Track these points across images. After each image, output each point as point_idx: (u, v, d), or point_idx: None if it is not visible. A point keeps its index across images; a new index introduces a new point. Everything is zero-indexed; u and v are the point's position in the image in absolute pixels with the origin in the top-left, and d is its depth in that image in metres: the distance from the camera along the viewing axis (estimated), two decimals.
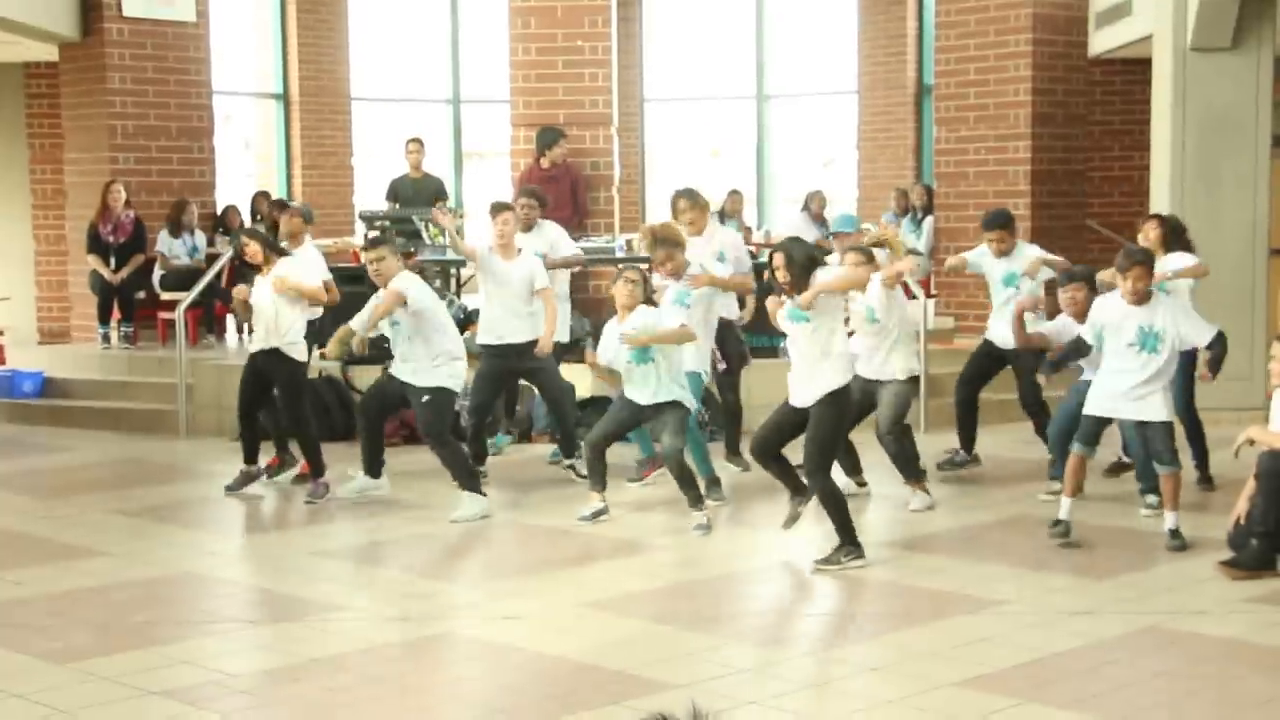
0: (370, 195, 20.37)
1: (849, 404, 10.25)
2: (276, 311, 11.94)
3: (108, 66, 18.04)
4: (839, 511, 9.84)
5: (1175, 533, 9.97)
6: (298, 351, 12.10)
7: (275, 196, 19.47)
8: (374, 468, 11.98)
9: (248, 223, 18.23)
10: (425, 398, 11.53)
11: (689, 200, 13.23)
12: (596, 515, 11.05)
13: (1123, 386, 10.05)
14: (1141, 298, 10.01)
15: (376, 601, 9.02)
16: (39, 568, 9.92)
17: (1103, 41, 18.05)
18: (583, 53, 16.94)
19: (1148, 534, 9.92)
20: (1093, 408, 10.32)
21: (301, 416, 12.24)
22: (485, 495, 11.72)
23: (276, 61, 22.09)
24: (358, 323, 11.56)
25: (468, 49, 23.19)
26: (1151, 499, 10.94)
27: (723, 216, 18.58)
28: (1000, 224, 12.68)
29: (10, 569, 9.68)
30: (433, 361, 11.57)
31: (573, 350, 14.15)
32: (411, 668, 7.87)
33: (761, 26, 23.75)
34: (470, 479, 11.68)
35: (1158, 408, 10.08)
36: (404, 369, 11.61)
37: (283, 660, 8.05)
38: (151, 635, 8.37)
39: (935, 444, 13.43)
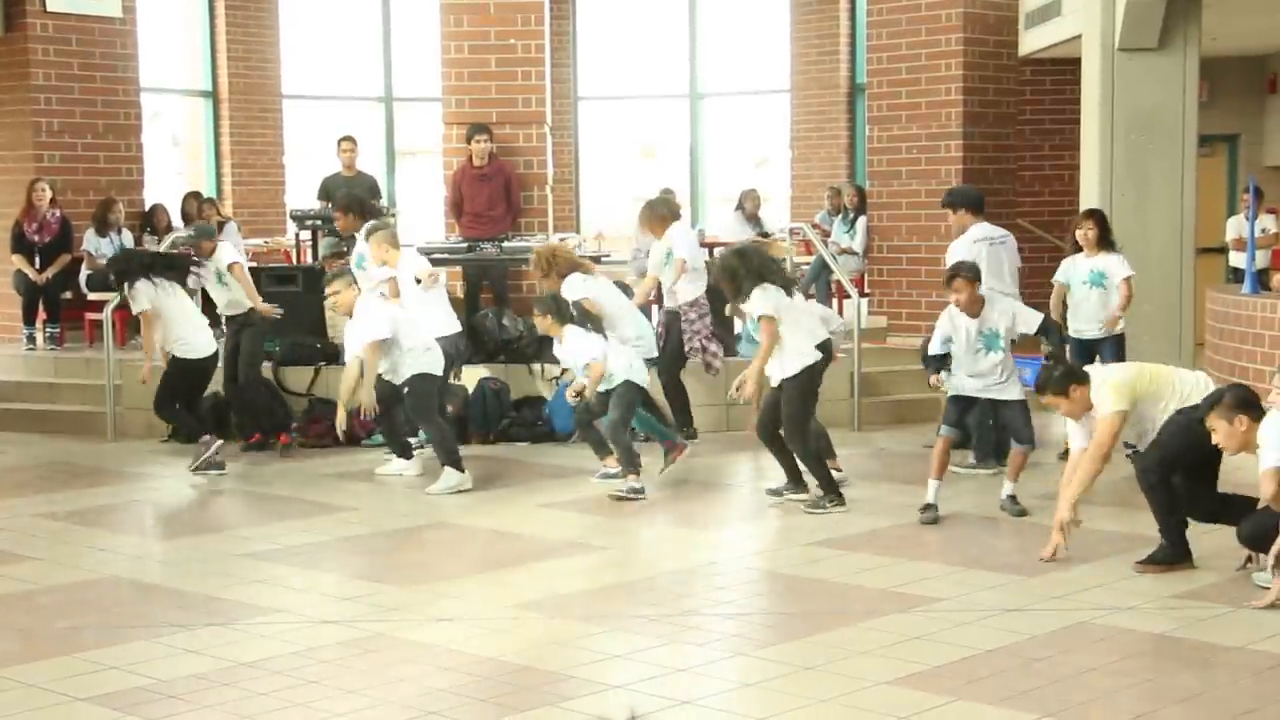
0: (302, 194, 20.30)
1: (808, 383, 11.27)
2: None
3: (32, 62, 17.95)
4: (819, 469, 11.39)
5: (1013, 499, 11.15)
6: (189, 350, 13.16)
7: (206, 195, 19.45)
8: (404, 452, 13.14)
9: (176, 222, 18.19)
10: (406, 389, 12.46)
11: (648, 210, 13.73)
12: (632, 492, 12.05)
13: (980, 383, 11.10)
14: (974, 308, 10.75)
15: (309, 604, 8.99)
16: None
17: (1032, 41, 18.16)
18: (515, 51, 16.95)
19: (1079, 533, 9.99)
20: (957, 389, 11.25)
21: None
22: (464, 471, 12.54)
23: (205, 58, 22.01)
24: (364, 391, 12.35)
25: (400, 46, 23.15)
26: (972, 461, 12.65)
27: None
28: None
29: None
30: (406, 358, 12.45)
31: (508, 349, 14.26)
32: (346, 670, 7.84)
33: (694, 25, 23.77)
34: (451, 455, 12.58)
35: (1014, 391, 11.13)
36: (388, 374, 12.54)
37: (214, 664, 7.98)
38: (78, 641, 8.30)
39: (867, 442, 13.59)
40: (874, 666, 7.48)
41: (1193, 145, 15.66)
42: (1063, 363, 10.56)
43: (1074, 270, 12.75)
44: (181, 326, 13.10)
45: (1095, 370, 9.95)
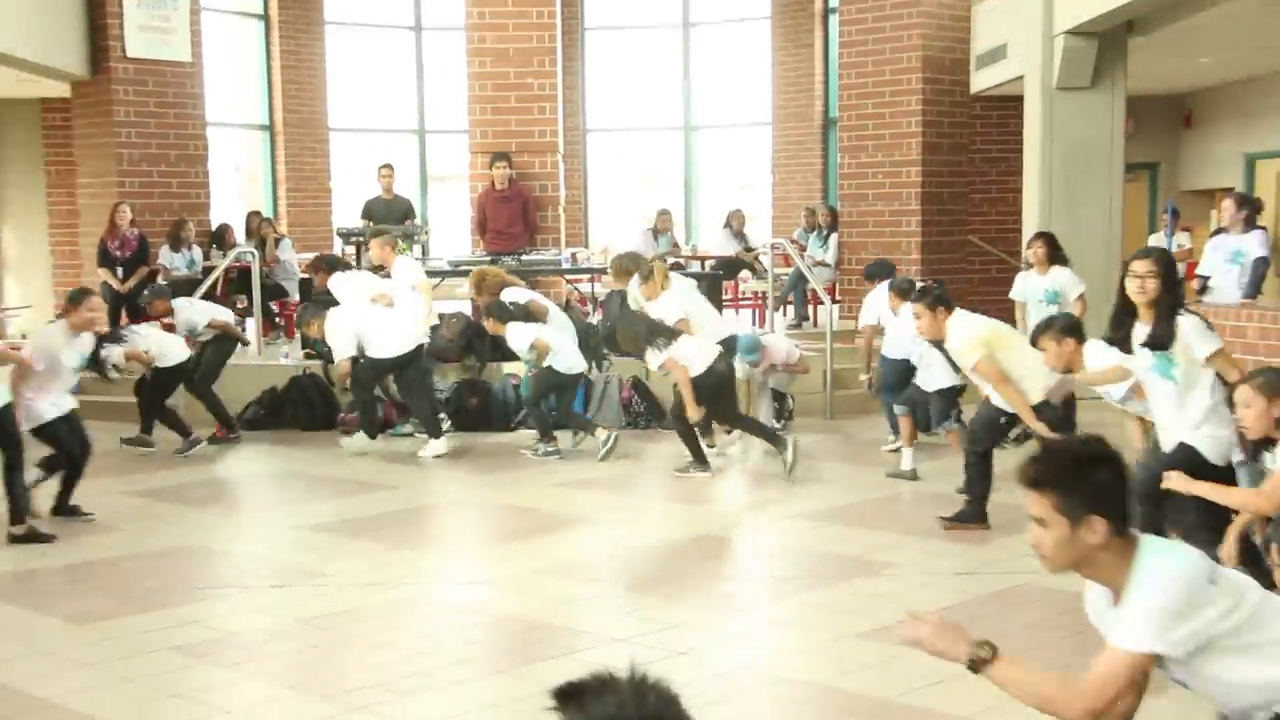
0: (347, 214, 20.31)
1: (710, 381, 11.68)
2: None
3: (114, 101, 17.95)
4: (693, 442, 12.08)
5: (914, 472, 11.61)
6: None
7: (265, 215, 19.49)
8: (433, 430, 13.32)
9: (240, 238, 18.22)
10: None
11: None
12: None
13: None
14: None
15: (356, 569, 9.03)
16: (59, 542, 9.93)
17: (982, 81, 18.15)
18: (532, 89, 17.03)
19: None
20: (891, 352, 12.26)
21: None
22: (442, 440, 13.28)
23: (263, 96, 22.04)
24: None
25: (431, 85, 23.14)
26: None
27: (656, 234, 18.65)
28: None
29: (24, 548, 9.64)
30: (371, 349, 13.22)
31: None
32: (388, 626, 7.90)
33: (688, 66, 23.76)
34: (435, 426, 13.35)
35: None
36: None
37: (274, 620, 8.06)
38: (159, 599, 8.37)
39: (838, 429, 13.69)
40: (845, 622, 7.53)
41: (1120, 172, 15.70)
42: None
43: (1029, 289, 12.77)
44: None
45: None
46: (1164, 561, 3.77)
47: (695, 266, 18.57)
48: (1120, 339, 7.64)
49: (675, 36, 23.82)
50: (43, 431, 10.31)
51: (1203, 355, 6.99)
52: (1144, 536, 3.87)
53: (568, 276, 17.23)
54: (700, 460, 12.12)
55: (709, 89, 23.86)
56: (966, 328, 10.01)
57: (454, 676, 6.77)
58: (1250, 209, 13.26)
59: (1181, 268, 14.98)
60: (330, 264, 14.74)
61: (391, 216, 17.72)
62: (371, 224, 17.49)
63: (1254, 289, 12.78)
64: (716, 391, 11.84)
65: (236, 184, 21.38)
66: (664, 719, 2.22)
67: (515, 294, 13.72)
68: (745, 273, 18.92)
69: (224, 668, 7.10)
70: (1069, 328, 9.07)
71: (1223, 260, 12.99)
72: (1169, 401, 7.53)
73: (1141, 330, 7.36)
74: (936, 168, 18.17)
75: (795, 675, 6.93)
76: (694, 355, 11.80)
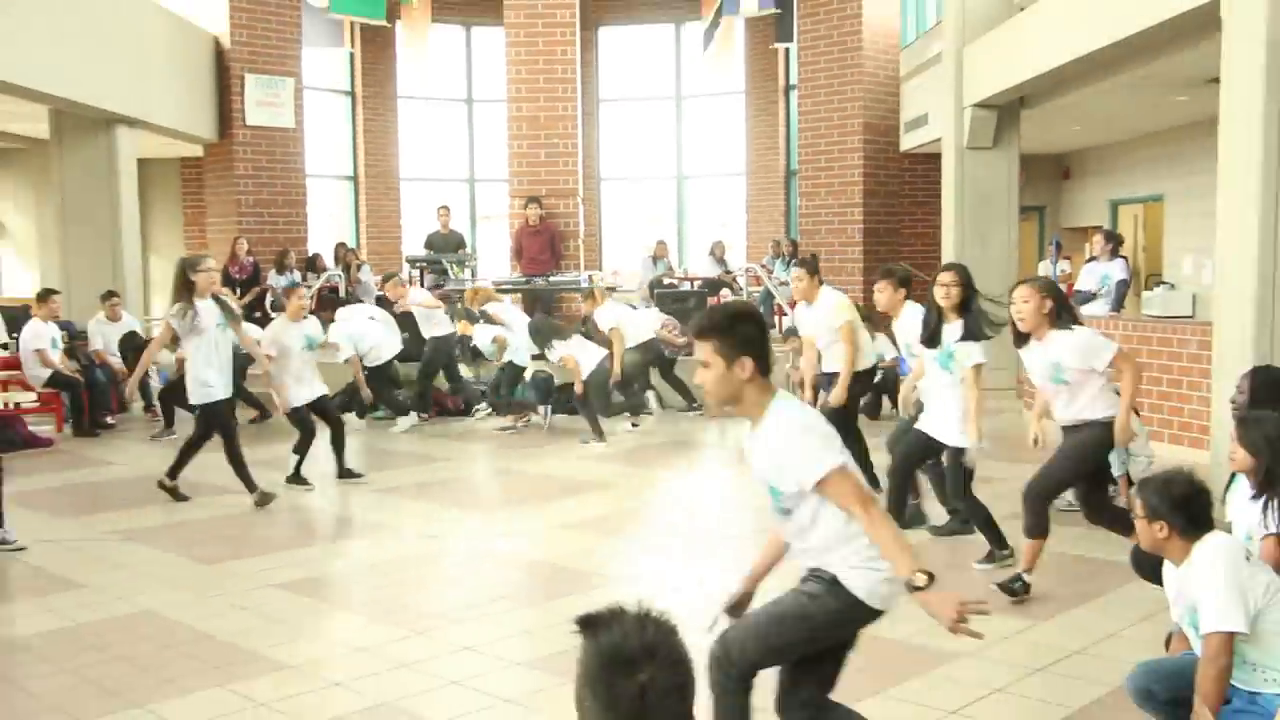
0: (413, 245, 20.29)
1: (597, 374, 12.41)
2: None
3: (235, 158, 18.05)
4: (595, 421, 12.42)
5: None
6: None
7: (349, 246, 19.51)
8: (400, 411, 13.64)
9: (330, 264, 18.26)
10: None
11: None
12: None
13: None
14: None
15: (416, 524, 9.05)
16: (195, 500, 9.93)
17: (909, 142, 18.18)
18: (558, 147, 17.08)
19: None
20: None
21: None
22: (409, 414, 13.79)
23: (349, 154, 22.06)
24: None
25: (480, 144, 23.13)
26: None
27: (655, 260, 18.71)
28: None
29: (170, 503, 9.71)
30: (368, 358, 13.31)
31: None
32: (441, 568, 7.94)
33: (680, 129, 23.77)
34: (401, 409, 13.80)
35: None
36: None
37: (353, 565, 8.17)
38: (268, 546, 8.46)
39: None
40: None
41: (1015, 213, 15.73)
42: None
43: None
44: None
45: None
46: (787, 405, 3.90)
47: (686, 285, 18.63)
48: (929, 337, 7.56)
49: (670, 107, 23.80)
50: (294, 414, 10.38)
51: (1101, 365, 6.46)
52: (780, 390, 4.01)
53: (582, 294, 17.26)
54: (598, 433, 12.40)
55: (696, 147, 23.84)
56: (839, 295, 9.90)
57: (495, 609, 6.79)
58: (1114, 242, 13.41)
59: (1063, 287, 15.14)
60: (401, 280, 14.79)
61: (448, 246, 17.79)
62: (433, 252, 17.57)
63: (1118, 304, 12.87)
64: (600, 382, 12.57)
65: (327, 222, 21.34)
66: (661, 646, 2.21)
67: (493, 306, 13.99)
68: (725, 290, 18.94)
69: (315, 599, 7.15)
70: (904, 280, 9.01)
71: (1094, 282, 13.06)
72: (944, 388, 7.53)
73: (952, 329, 7.29)
74: (874, 209, 18.23)
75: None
76: (584, 355, 12.47)
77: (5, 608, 7.16)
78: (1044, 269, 16.41)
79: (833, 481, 3.76)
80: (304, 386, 10.48)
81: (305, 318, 10.87)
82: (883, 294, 9.23)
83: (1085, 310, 12.79)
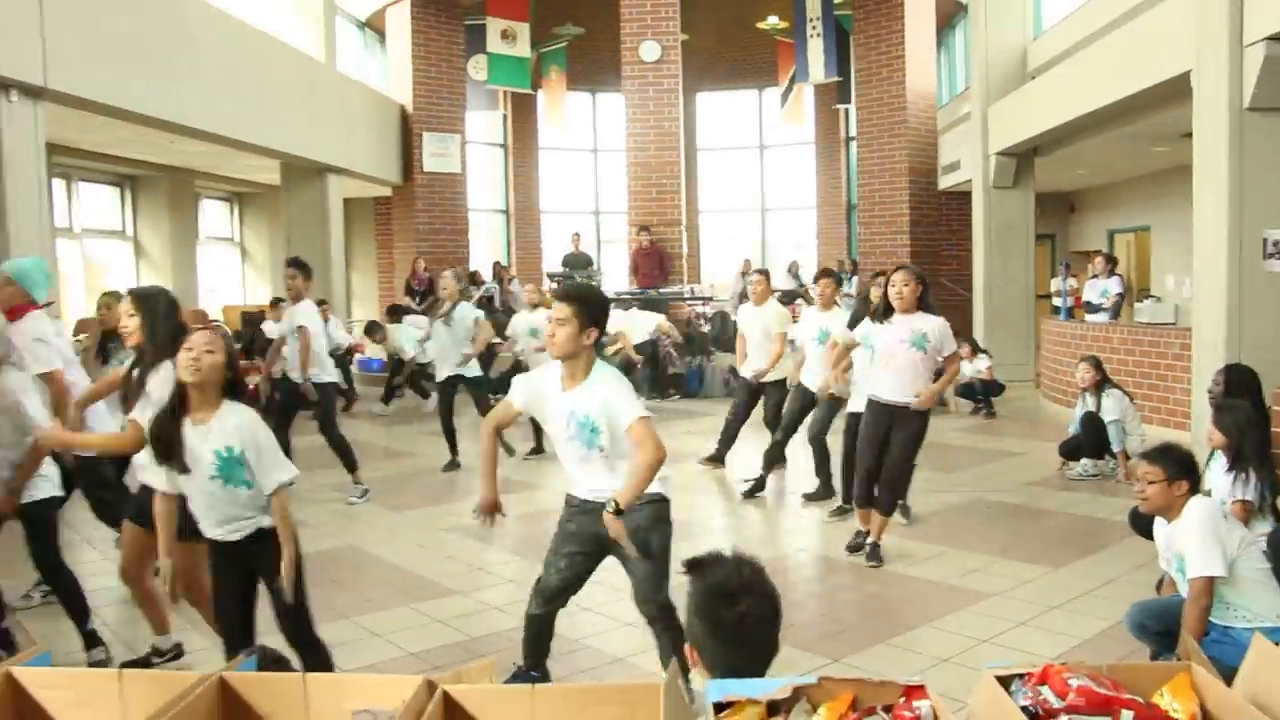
0: (551, 263, 20.40)
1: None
2: None
3: (416, 197, 18.21)
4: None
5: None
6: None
7: (504, 264, 19.64)
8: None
9: (487, 277, 18.40)
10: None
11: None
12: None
13: None
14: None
15: (554, 484, 9.06)
16: (391, 461, 10.09)
17: (945, 182, 17.92)
18: (665, 186, 16.99)
19: (987, 451, 9.76)
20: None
21: None
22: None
23: (501, 192, 22.22)
24: None
25: (603, 183, 23.19)
26: None
27: (743, 275, 18.65)
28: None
29: (372, 462, 9.68)
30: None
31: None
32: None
33: (763, 170, 23.66)
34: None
35: None
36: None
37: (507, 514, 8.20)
38: (443, 498, 8.55)
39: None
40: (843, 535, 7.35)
41: (1032, 240, 15.46)
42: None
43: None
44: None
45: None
46: (608, 371, 4.00)
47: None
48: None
49: (754, 154, 23.70)
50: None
51: (948, 351, 6.19)
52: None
53: (687, 302, 17.21)
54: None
55: (775, 186, 23.69)
56: (780, 306, 9.21)
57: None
58: (1112, 263, 13.16)
59: (1070, 299, 14.86)
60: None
61: (579, 264, 17.80)
62: (567, 269, 17.63)
63: (1115, 313, 12.61)
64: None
65: (486, 245, 21.53)
66: (755, 583, 2.23)
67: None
68: (799, 300, 18.89)
69: (479, 541, 7.16)
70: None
71: (1096, 295, 12.79)
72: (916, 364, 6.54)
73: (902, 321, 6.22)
74: (919, 236, 17.95)
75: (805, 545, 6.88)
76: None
77: None
78: (1055, 285, 16.09)
79: (637, 426, 3.86)
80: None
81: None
82: (759, 287, 8.86)
83: (1090, 318, 12.56)
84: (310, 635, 3.96)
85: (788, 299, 18.23)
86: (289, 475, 3.73)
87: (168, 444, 3.62)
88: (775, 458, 8.59)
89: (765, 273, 9.22)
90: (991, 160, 15.11)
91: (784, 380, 8.76)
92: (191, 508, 3.77)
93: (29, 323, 5.54)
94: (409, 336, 13.80)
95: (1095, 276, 13.01)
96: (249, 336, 14.64)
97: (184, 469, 3.65)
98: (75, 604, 4.92)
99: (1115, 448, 8.89)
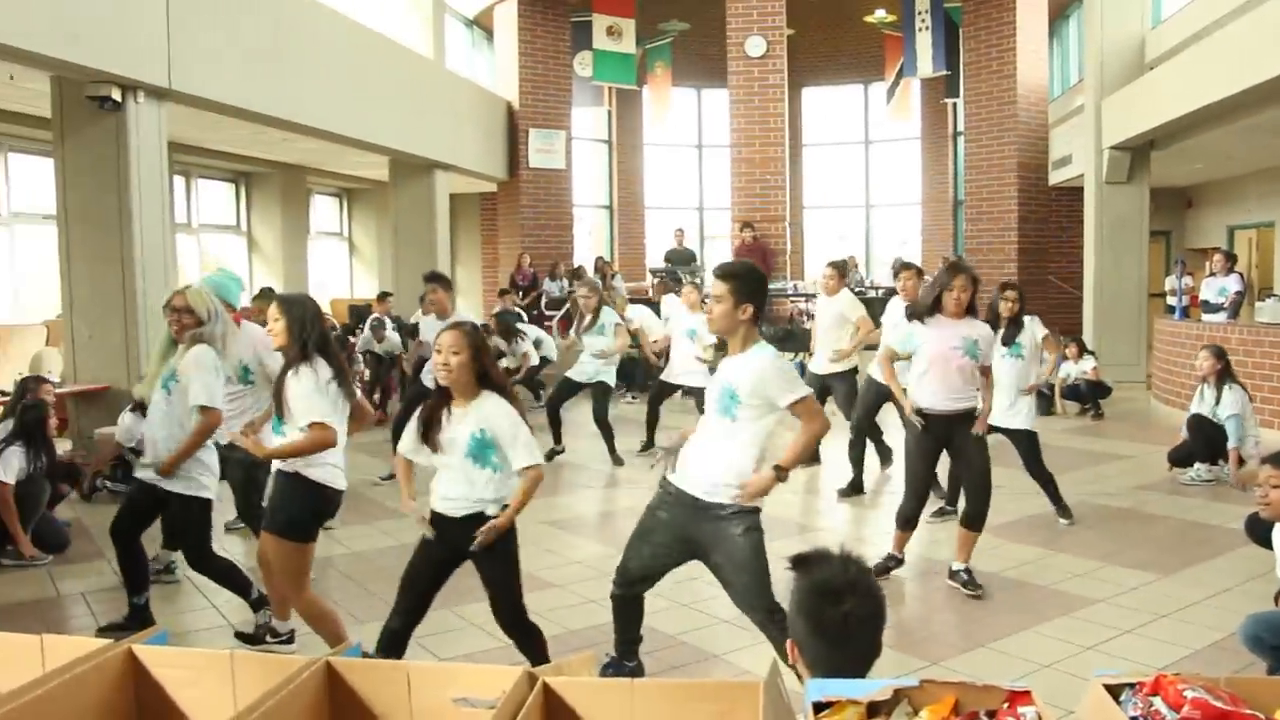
0: (655, 258, 20.45)
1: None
2: None
3: (521, 193, 18.41)
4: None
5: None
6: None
7: (606, 259, 19.73)
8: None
9: (590, 272, 18.52)
10: None
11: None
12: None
13: None
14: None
15: (650, 478, 9.08)
16: None
17: (1056, 177, 17.56)
18: (769, 182, 16.94)
19: (1085, 451, 9.53)
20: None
21: None
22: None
23: (605, 188, 22.33)
24: None
25: (708, 179, 23.15)
26: None
27: (845, 272, 18.48)
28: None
29: None
30: None
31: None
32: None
33: (868, 167, 23.39)
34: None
35: None
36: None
37: (601, 509, 8.23)
38: (542, 491, 8.58)
39: None
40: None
41: (1146, 237, 15.07)
42: None
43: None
44: None
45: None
46: (770, 350, 4.06)
47: (872, 293, 18.31)
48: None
49: (859, 150, 23.43)
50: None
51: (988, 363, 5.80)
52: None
53: (790, 299, 17.11)
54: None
55: (880, 182, 23.41)
56: (851, 294, 8.96)
57: None
58: (1231, 260, 12.72)
59: (1186, 298, 14.43)
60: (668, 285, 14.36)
61: (682, 260, 17.84)
62: (669, 265, 17.65)
63: (1234, 312, 12.19)
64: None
65: (588, 240, 21.65)
66: (860, 582, 2.19)
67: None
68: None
69: (573, 534, 7.24)
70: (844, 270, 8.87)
71: (1214, 294, 12.39)
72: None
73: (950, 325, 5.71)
74: (1027, 233, 17.61)
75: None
76: None
77: (356, 529, 7.41)
78: (1170, 283, 15.64)
79: (800, 404, 4.00)
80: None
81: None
82: (832, 280, 8.69)
83: (1207, 318, 12.19)
84: (524, 621, 4.22)
85: (892, 296, 18.02)
86: (534, 460, 4.05)
87: (428, 427, 4.04)
88: (857, 457, 8.43)
89: (837, 265, 9.01)
90: (1105, 154, 14.76)
91: (853, 370, 8.68)
92: (434, 482, 4.14)
93: (255, 330, 6.09)
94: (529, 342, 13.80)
95: (1213, 274, 12.61)
96: (351, 329, 14.96)
97: (437, 449, 4.03)
98: (235, 582, 5.24)
99: (1231, 444, 8.51)
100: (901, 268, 8.44)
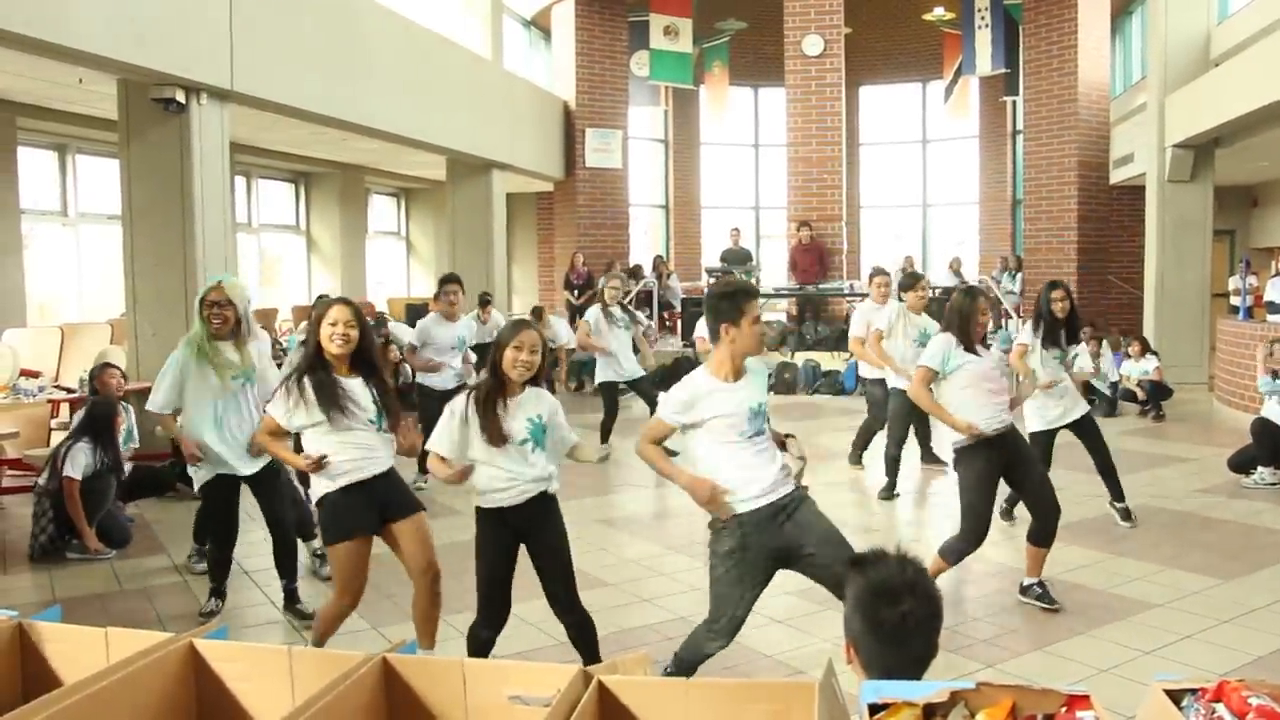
0: (710, 258, 20.41)
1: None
2: None
3: (577, 191, 18.47)
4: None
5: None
6: None
7: (664, 258, 19.74)
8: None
9: (647, 272, 18.51)
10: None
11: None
12: None
13: None
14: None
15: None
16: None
17: (1117, 176, 17.30)
18: (826, 181, 16.84)
19: (1146, 454, 9.38)
20: None
21: None
22: None
23: (662, 187, 22.32)
24: None
25: (764, 178, 23.09)
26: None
27: (903, 272, 18.39)
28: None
29: None
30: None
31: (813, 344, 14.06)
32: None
33: (925, 166, 23.21)
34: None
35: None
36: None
37: (652, 508, 8.20)
38: (595, 491, 8.60)
39: None
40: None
41: (1210, 236, 14.80)
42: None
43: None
44: None
45: None
46: (760, 365, 4.19)
47: (929, 293, 18.16)
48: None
49: (916, 149, 23.26)
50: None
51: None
52: None
53: (847, 299, 17.01)
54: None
55: (938, 181, 23.23)
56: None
57: None
58: None
59: (1250, 298, 14.16)
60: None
61: (738, 260, 17.77)
62: (725, 264, 17.60)
63: None
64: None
65: (644, 240, 21.66)
66: (918, 583, 2.19)
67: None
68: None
69: (625, 533, 7.25)
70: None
71: (1278, 294, 12.15)
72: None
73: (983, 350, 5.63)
74: (1087, 232, 17.35)
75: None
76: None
77: None
78: (1234, 283, 15.38)
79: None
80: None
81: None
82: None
83: (1272, 318, 11.96)
84: (581, 605, 4.33)
85: (949, 296, 17.85)
86: (577, 438, 4.40)
87: (492, 422, 4.14)
88: (894, 468, 8.46)
89: (886, 272, 9.25)
90: (1168, 153, 14.52)
91: (882, 380, 8.69)
92: (483, 482, 4.22)
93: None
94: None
95: (1278, 274, 12.36)
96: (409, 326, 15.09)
97: (502, 441, 4.13)
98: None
99: None
100: (875, 273, 8.79)
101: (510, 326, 4.22)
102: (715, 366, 4.06)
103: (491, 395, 4.15)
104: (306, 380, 4.34)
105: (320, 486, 4.39)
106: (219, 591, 5.65)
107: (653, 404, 9.76)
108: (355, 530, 4.37)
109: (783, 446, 4.23)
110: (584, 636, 4.32)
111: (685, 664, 4.16)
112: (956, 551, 5.37)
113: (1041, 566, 5.61)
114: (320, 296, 8.32)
